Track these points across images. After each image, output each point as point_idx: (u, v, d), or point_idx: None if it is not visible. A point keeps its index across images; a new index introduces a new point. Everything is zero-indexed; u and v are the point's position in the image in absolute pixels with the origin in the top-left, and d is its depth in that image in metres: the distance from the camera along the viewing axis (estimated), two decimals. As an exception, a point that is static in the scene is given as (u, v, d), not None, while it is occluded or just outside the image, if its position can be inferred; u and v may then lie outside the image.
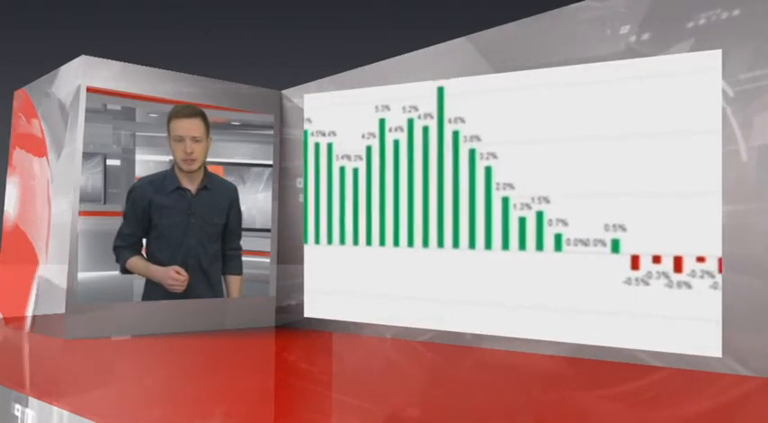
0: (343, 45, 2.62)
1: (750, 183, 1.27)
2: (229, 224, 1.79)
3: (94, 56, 1.62)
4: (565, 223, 1.45)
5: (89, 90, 1.61)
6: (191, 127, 1.72)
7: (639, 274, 1.37)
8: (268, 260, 1.85)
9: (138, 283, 1.69)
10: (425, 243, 1.62)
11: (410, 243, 1.64)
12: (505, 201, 1.52)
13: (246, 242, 1.82)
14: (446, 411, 1.02)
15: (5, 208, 1.91)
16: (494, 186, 1.53)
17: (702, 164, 1.32)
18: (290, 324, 1.83)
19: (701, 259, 1.32)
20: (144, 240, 1.70)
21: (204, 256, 1.74)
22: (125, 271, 1.67)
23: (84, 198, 1.60)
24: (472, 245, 1.56)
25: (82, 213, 1.59)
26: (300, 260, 1.81)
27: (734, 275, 1.28)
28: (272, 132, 1.87)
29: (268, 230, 1.86)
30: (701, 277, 1.31)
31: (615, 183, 1.41)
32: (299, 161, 1.83)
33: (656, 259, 1.35)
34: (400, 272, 1.66)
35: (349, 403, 1.10)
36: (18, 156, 1.88)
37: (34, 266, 1.71)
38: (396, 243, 1.66)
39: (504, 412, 1.04)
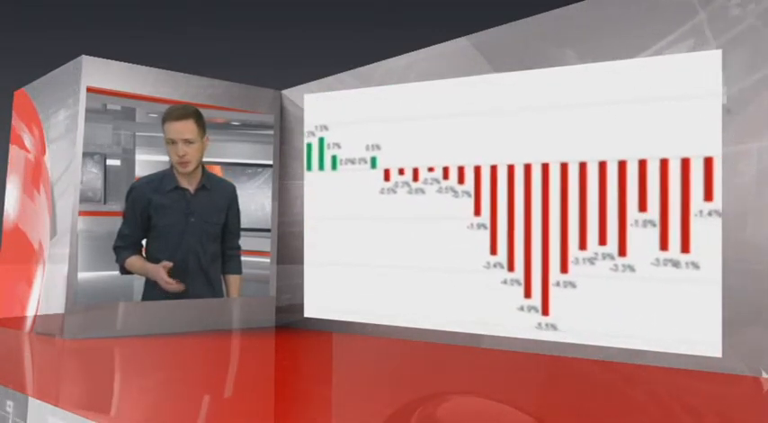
0: (343, 45, 2.62)
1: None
2: (228, 224, 1.79)
3: (94, 56, 1.63)
4: (339, 146, 1.73)
5: (89, 90, 1.61)
6: (182, 129, 1.71)
7: (389, 184, 1.66)
8: (268, 260, 1.85)
9: (138, 283, 1.69)
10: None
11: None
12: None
13: (246, 242, 1.82)
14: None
15: (5, 208, 1.91)
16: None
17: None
18: (289, 324, 1.83)
19: (431, 169, 1.60)
20: (144, 240, 1.70)
21: (203, 256, 1.74)
22: (124, 271, 1.67)
23: (84, 198, 1.60)
24: None
25: (82, 213, 1.59)
26: (300, 260, 1.81)
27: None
28: (272, 132, 1.87)
29: (268, 230, 1.86)
30: (431, 184, 1.59)
31: (373, 109, 1.70)
32: (299, 161, 1.83)
33: (401, 171, 1.65)
34: None
35: (347, 403, 1.10)
36: (18, 156, 1.88)
37: (35, 266, 1.71)
38: None
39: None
